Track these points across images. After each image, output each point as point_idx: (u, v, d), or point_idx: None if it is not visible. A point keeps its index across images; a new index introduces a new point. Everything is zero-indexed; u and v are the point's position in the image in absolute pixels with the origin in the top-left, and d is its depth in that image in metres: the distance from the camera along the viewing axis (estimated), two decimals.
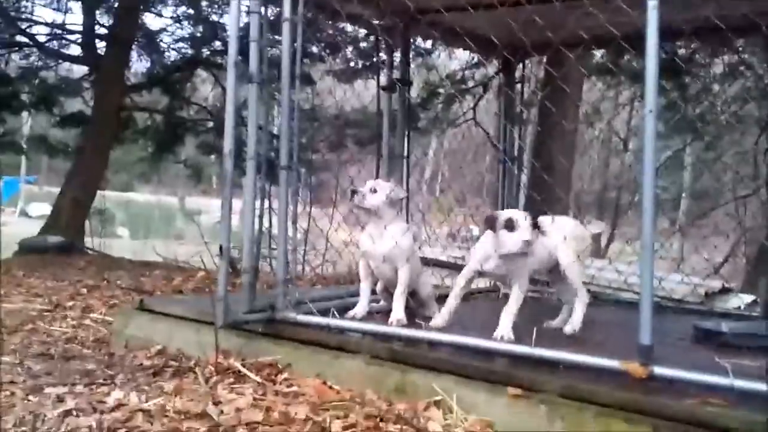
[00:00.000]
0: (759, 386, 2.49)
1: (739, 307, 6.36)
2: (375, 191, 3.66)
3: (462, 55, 10.93)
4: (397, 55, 4.62)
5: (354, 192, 3.65)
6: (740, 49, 9.55)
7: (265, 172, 3.60)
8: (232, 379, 3.28)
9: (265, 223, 3.71)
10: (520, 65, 5.53)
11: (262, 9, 3.55)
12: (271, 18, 3.76)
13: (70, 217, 9.63)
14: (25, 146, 11.09)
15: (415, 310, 3.88)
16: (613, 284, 5.96)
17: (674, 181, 20.13)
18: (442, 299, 3.94)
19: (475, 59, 10.75)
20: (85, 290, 6.35)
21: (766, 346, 3.13)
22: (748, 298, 7.08)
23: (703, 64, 10.40)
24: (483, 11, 3.64)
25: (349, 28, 9.19)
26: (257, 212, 3.61)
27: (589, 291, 3.79)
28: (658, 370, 2.62)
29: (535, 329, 3.03)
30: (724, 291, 7.11)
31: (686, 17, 3.15)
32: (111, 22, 9.63)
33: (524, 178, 11.32)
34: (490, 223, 3.37)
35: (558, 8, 3.42)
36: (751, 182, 11.62)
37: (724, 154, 12.68)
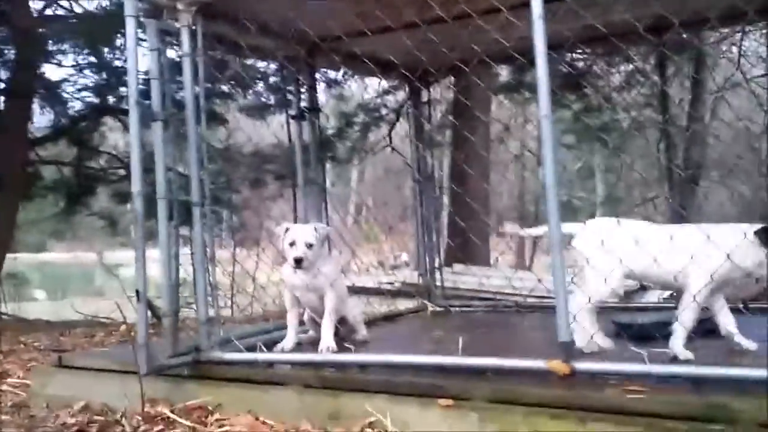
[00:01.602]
0: (673, 369, 2.61)
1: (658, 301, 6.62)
2: (311, 246, 3.62)
3: (375, 84, 11.12)
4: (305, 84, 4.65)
5: (299, 260, 3.55)
6: (634, 58, 10.07)
7: (179, 215, 3.54)
8: (161, 427, 3.19)
9: (189, 270, 3.63)
10: (430, 88, 5.66)
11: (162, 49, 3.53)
12: (177, 59, 3.73)
13: None
14: None
15: (346, 336, 3.87)
16: (535, 293, 6.11)
17: (588, 189, 20.90)
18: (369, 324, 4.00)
19: (387, 87, 10.97)
20: (0, 356, 6.03)
21: None
22: (666, 293, 7.38)
23: (601, 75, 10.91)
24: (381, 35, 3.72)
25: (259, 64, 9.23)
26: (173, 253, 3.54)
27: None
28: (580, 365, 2.70)
29: (460, 338, 3.07)
30: (642, 288, 7.40)
31: (572, 26, 3.31)
32: (8, 75, 9.31)
33: (446, 199, 11.57)
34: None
35: (452, 27, 3.53)
36: (657, 184, 12.18)
37: (629, 159, 13.27)
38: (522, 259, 20.64)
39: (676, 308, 4.78)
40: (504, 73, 11.16)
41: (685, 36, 5.30)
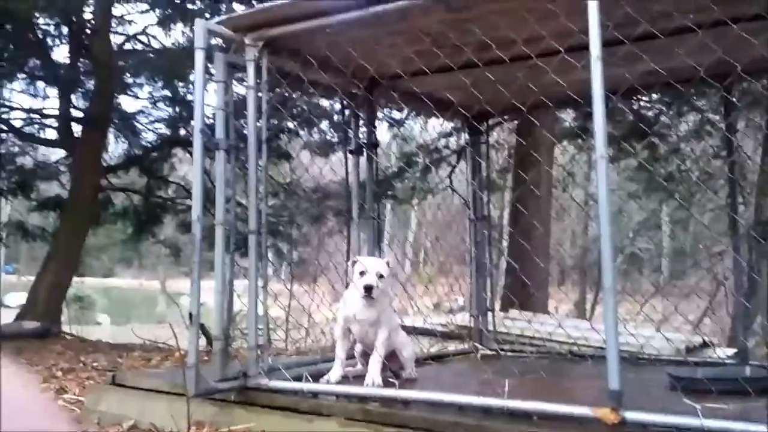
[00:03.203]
0: (729, 425, 2.49)
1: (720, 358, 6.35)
2: (381, 277, 3.66)
3: (437, 125, 11.19)
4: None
5: (370, 288, 3.58)
6: (702, 108, 9.88)
7: (238, 246, 3.63)
8: None
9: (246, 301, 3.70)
10: (493, 132, 5.68)
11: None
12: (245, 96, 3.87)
13: (46, 302, 9.50)
14: (2, 233, 11.05)
15: (397, 372, 3.84)
16: (591, 342, 5.95)
17: (653, 240, 20.33)
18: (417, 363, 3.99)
19: (449, 128, 11.03)
20: (60, 373, 6.21)
21: (739, 390, 3.14)
22: (730, 351, 7.08)
23: (669, 124, 10.72)
24: (439, 74, 3.77)
25: (323, 102, 9.45)
26: (228, 280, 3.62)
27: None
28: (629, 415, 2.61)
29: (507, 381, 3.01)
30: (705, 345, 7.12)
31: (632, 70, 3.29)
32: (87, 105, 9.78)
33: (504, 244, 11.44)
34: None
35: (511, 68, 3.56)
36: (726, 238, 11.75)
37: (697, 212, 12.89)
38: (582, 309, 20.16)
39: (737, 365, 4.61)
40: (568, 118, 11.09)
41: (755, 84, 5.18)
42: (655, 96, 9.08)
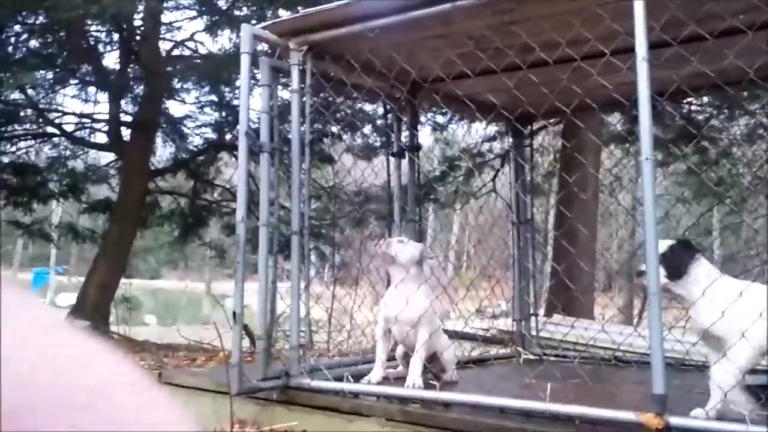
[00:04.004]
0: None
1: None
2: (402, 242, 3.70)
3: (480, 130, 11.13)
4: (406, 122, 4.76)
5: (381, 236, 3.67)
6: (755, 111, 9.64)
7: (282, 248, 3.68)
8: None
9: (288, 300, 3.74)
10: (537, 135, 5.64)
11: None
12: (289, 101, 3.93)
13: (96, 303, 9.73)
14: (54, 234, 11.35)
15: (437, 375, 3.84)
16: (639, 349, 5.85)
17: (702, 246, 19.82)
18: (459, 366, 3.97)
19: (492, 132, 10.96)
20: None
21: None
22: None
23: (720, 128, 10.48)
24: (482, 77, 3.77)
25: (366, 107, 9.50)
26: (271, 280, 3.67)
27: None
28: (674, 420, 2.57)
29: (549, 385, 2.99)
30: None
31: (680, 73, 3.24)
32: (136, 110, 10.01)
33: (549, 248, 11.31)
34: None
35: (555, 71, 3.54)
36: None
37: (749, 217, 12.56)
38: (629, 315, 19.80)
39: None
40: (614, 121, 10.94)
41: None
42: (705, 99, 8.89)
